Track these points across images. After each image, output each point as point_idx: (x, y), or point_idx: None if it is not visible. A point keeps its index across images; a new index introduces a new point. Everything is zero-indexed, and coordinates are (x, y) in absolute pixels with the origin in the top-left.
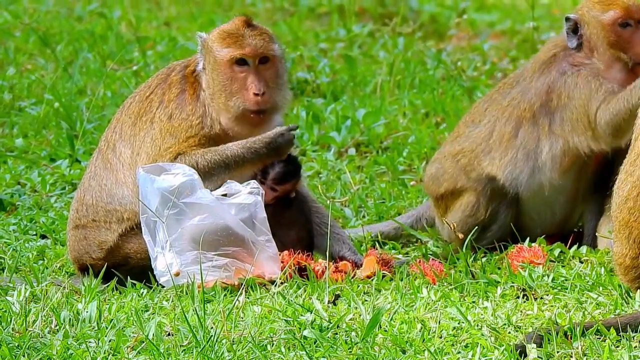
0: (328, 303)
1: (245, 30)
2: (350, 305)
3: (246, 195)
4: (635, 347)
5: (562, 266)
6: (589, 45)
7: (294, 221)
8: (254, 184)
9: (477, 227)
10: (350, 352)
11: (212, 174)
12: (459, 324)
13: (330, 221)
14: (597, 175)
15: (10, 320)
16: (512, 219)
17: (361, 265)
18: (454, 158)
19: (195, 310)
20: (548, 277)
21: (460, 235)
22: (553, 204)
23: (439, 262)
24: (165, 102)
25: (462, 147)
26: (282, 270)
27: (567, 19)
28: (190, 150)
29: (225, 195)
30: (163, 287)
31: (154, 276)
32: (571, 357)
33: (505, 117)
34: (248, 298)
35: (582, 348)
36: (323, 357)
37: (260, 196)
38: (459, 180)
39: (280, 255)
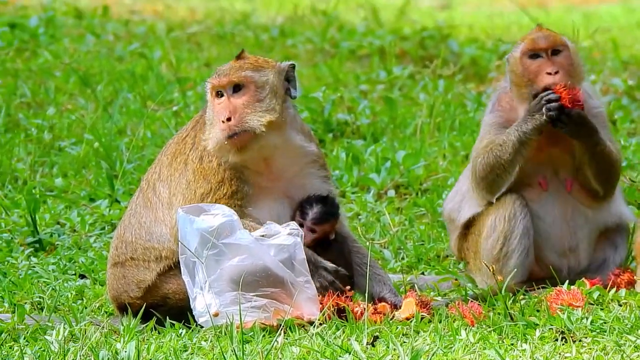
0: (367, 344)
1: (229, 63)
2: (388, 347)
3: (285, 237)
4: None
5: (601, 309)
6: (510, 84)
7: (333, 262)
8: (293, 225)
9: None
10: None
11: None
12: None
13: (371, 261)
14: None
15: None
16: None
17: (400, 307)
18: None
19: (234, 350)
20: (587, 319)
21: (500, 278)
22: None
23: (478, 304)
24: (196, 144)
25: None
26: (320, 311)
27: (507, 60)
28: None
29: (264, 236)
30: (202, 327)
31: (193, 316)
32: None
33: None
34: (287, 339)
35: None
36: None
37: (300, 237)
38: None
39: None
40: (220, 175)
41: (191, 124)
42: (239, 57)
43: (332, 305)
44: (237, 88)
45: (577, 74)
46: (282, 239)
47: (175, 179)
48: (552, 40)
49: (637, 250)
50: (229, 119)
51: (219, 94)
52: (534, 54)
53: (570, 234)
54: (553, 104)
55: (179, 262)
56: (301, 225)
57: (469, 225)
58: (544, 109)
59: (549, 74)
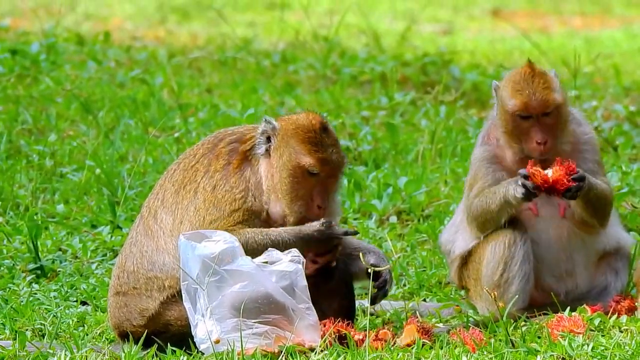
0: None
1: (322, 136)
2: None
3: (287, 263)
4: None
5: (602, 335)
6: (495, 119)
7: (335, 291)
8: (295, 252)
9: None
10: None
11: (257, 253)
12: None
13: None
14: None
15: None
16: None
17: (382, 274)
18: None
19: None
20: (588, 346)
21: (501, 305)
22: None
23: (479, 330)
24: (210, 172)
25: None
26: (322, 338)
27: (494, 87)
28: (238, 227)
29: (266, 262)
30: (203, 354)
31: (194, 343)
32: None
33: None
34: None
35: None
36: None
37: (301, 264)
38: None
39: (320, 324)
40: (236, 205)
41: (201, 151)
42: (325, 128)
43: (333, 332)
44: (332, 174)
45: (564, 128)
46: (284, 266)
47: (182, 207)
48: (545, 105)
49: (638, 277)
50: (324, 208)
51: (313, 174)
52: (525, 115)
53: (567, 257)
54: (522, 189)
55: (181, 290)
56: (303, 256)
57: (467, 254)
58: (519, 185)
59: (539, 143)
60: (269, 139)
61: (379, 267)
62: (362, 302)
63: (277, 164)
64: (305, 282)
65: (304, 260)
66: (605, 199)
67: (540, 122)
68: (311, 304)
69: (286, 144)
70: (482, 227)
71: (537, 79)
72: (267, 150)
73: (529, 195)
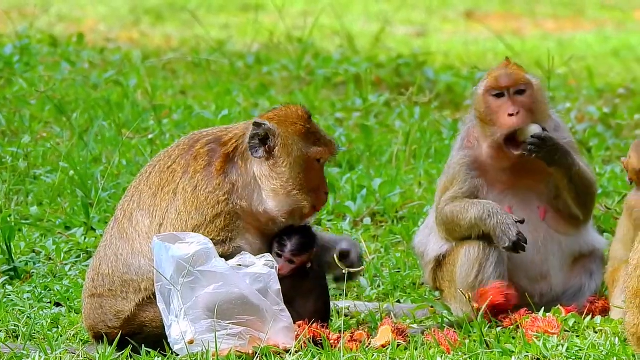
0: None
1: (313, 123)
2: None
3: (261, 267)
4: None
5: (577, 336)
6: (474, 117)
7: (310, 292)
8: (268, 256)
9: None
10: None
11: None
12: None
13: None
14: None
15: None
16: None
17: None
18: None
19: None
20: (562, 347)
21: (476, 305)
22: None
23: (454, 331)
24: (190, 173)
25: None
26: (296, 339)
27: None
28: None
29: (240, 265)
30: (177, 355)
31: (169, 344)
32: None
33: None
34: None
35: None
36: None
37: (275, 269)
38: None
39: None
40: (219, 208)
41: (177, 152)
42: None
43: (308, 334)
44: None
45: (540, 112)
46: (258, 269)
47: (161, 209)
48: (514, 79)
49: (609, 278)
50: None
51: (318, 161)
52: (497, 93)
53: (542, 260)
54: (513, 240)
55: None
56: (279, 256)
57: (441, 257)
58: (514, 235)
59: (511, 115)
60: (263, 141)
61: (348, 251)
62: (337, 304)
63: (286, 161)
64: (278, 286)
65: (277, 266)
66: (590, 183)
67: (512, 98)
68: (285, 307)
69: (292, 140)
70: (448, 234)
71: (510, 64)
72: (267, 152)
73: (515, 247)
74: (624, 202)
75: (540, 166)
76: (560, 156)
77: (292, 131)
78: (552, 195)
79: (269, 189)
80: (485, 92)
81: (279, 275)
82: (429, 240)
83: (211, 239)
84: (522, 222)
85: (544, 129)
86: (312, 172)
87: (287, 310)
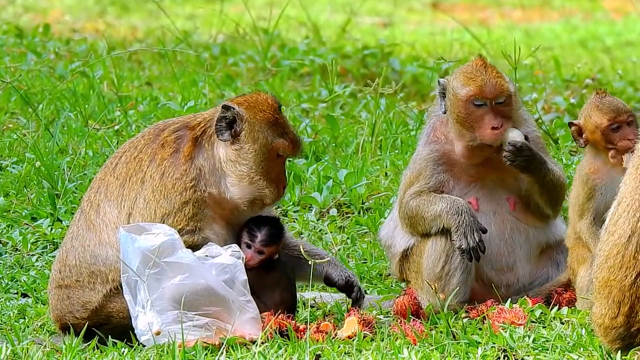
0: None
1: (282, 115)
2: None
3: (227, 257)
4: None
5: (544, 327)
6: (447, 114)
7: (277, 283)
8: (234, 247)
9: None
10: None
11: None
12: None
13: (307, 247)
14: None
15: None
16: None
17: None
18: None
19: None
20: (529, 337)
21: (442, 296)
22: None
23: (420, 322)
24: (157, 161)
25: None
26: (262, 330)
27: (438, 83)
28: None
29: (206, 256)
30: (144, 346)
31: (135, 335)
32: None
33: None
34: (229, 358)
35: None
36: None
37: (241, 260)
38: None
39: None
40: (187, 195)
41: (142, 141)
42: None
43: (274, 325)
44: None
45: (516, 118)
46: (224, 259)
47: (129, 199)
48: (499, 91)
49: (571, 268)
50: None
51: (279, 156)
52: (479, 103)
53: (508, 252)
54: (471, 245)
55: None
56: (248, 247)
57: (408, 249)
58: (462, 239)
59: (495, 128)
60: (230, 125)
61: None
62: (303, 295)
63: (251, 148)
64: (245, 277)
65: (244, 256)
66: (561, 186)
67: (494, 109)
68: (251, 297)
69: (258, 127)
70: (411, 227)
71: (489, 69)
72: (232, 136)
73: (470, 253)
74: (577, 168)
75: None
76: (535, 166)
77: (260, 118)
78: (521, 188)
79: (233, 175)
80: (467, 99)
81: (247, 266)
82: (395, 233)
83: (180, 229)
84: (484, 231)
85: (526, 137)
86: (273, 162)
87: (253, 301)
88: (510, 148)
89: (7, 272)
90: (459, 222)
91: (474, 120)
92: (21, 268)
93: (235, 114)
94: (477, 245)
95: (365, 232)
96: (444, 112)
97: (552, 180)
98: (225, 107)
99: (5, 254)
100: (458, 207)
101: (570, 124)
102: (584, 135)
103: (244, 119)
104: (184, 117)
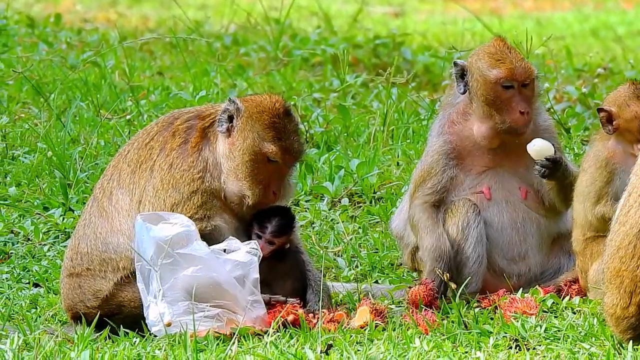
0: (320, 353)
1: (285, 121)
2: (342, 355)
3: (244, 254)
4: None
5: (555, 317)
6: (470, 95)
7: (288, 272)
8: (253, 244)
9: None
10: None
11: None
12: None
13: (310, 268)
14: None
15: None
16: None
17: (315, 314)
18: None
19: (188, 359)
20: (541, 327)
21: (453, 286)
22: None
23: (432, 312)
24: (167, 150)
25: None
26: (274, 320)
27: (455, 64)
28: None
29: (224, 250)
30: (155, 336)
31: (147, 324)
32: None
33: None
34: (240, 347)
35: None
36: None
37: (257, 258)
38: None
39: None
40: (194, 186)
41: (155, 129)
42: (288, 114)
43: (285, 315)
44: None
45: (537, 103)
46: (240, 256)
47: (140, 186)
48: (528, 74)
49: (582, 271)
50: (274, 193)
51: (272, 161)
52: (508, 85)
53: (520, 241)
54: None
55: (135, 270)
56: (259, 238)
57: None
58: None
59: (522, 113)
60: (231, 119)
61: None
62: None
63: (240, 146)
64: (257, 275)
65: (261, 254)
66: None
67: (520, 92)
68: (260, 297)
69: (251, 127)
70: (411, 231)
71: (512, 50)
72: (229, 130)
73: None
74: (592, 154)
75: (523, 151)
76: (561, 174)
77: (255, 119)
78: (534, 180)
79: (226, 170)
80: (497, 81)
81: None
82: (407, 225)
83: (189, 217)
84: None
85: (556, 148)
86: (261, 166)
87: (262, 300)
88: (545, 163)
89: (19, 262)
90: (434, 268)
91: (502, 102)
92: (33, 258)
93: (236, 109)
94: (436, 289)
95: (377, 222)
96: (463, 93)
97: (572, 182)
98: (231, 101)
99: (17, 243)
100: (441, 254)
101: (600, 110)
102: (614, 122)
103: (241, 116)
104: (199, 107)
